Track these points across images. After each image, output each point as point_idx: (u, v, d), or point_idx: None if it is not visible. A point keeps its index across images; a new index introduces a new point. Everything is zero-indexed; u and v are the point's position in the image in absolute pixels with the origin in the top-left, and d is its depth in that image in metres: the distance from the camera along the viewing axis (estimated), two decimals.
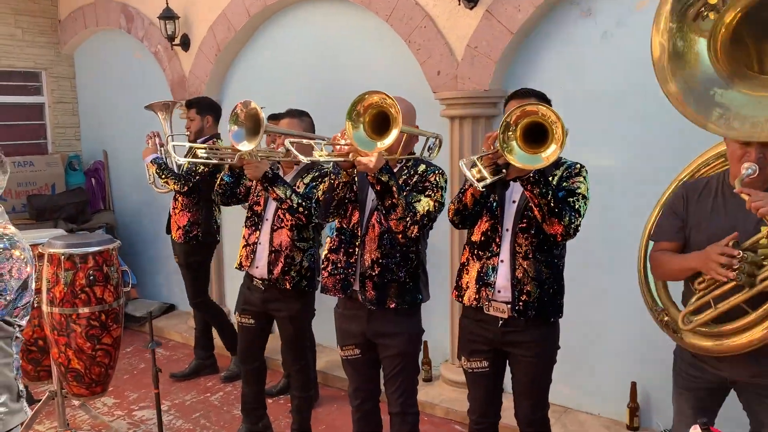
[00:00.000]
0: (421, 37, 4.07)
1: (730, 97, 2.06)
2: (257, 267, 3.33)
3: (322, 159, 2.49)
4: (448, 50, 3.96)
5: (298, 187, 3.26)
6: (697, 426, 1.79)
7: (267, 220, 3.32)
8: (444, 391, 4.20)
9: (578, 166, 2.55)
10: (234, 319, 3.82)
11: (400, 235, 2.59)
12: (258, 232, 3.33)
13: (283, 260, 3.25)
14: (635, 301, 3.56)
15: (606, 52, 3.58)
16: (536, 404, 2.69)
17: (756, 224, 2.09)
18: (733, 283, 2.07)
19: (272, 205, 3.30)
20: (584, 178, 2.52)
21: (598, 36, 3.60)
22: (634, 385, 3.64)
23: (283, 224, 3.27)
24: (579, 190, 2.48)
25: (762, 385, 2.18)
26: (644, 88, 3.43)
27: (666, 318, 2.44)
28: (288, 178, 3.33)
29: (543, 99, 2.55)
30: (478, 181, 2.27)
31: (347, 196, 2.70)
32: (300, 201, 3.14)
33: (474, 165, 2.33)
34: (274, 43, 5.08)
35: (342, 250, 2.78)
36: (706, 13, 2.11)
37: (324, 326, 3.82)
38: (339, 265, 2.78)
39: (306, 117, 3.41)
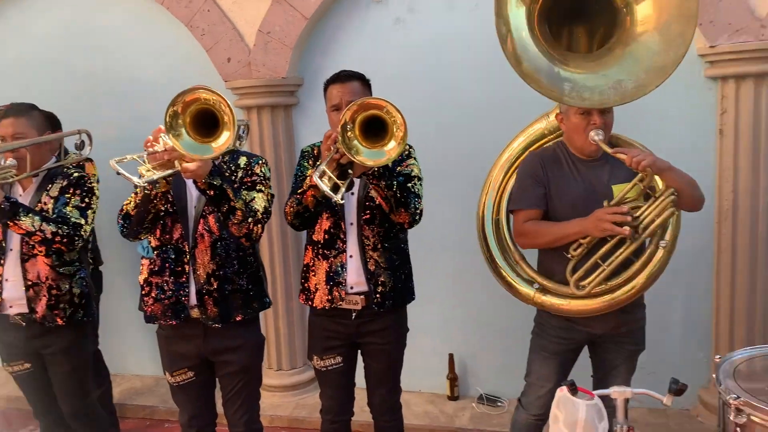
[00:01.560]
0: (205, 21, 3.73)
1: (571, 71, 2.23)
2: (10, 307, 2.68)
3: (147, 179, 2.09)
4: (238, 35, 3.69)
5: (46, 205, 2.67)
6: (565, 387, 1.88)
7: (11, 250, 2.67)
8: (264, 398, 3.96)
9: (408, 147, 2.54)
10: None
11: (245, 239, 2.34)
12: (1, 267, 2.69)
13: (46, 293, 2.66)
14: (446, 275, 3.76)
15: (400, 38, 3.63)
16: (392, 389, 2.68)
17: (606, 185, 2.32)
18: (615, 241, 2.23)
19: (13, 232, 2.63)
20: (415, 159, 2.53)
21: (390, 22, 3.64)
22: (451, 356, 3.80)
23: (35, 251, 2.66)
24: (414, 173, 2.48)
25: (620, 333, 2.42)
26: (438, 72, 3.58)
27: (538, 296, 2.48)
28: (28, 197, 2.69)
29: (363, 80, 2.49)
30: (334, 191, 2.12)
31: (164, 207, 2.36)
32: (55, 229, 2.56)
33: (323, 174, 2.16)
34: (15, 31, 4.26)
35: (167, 270, 2.42)
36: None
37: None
38: (166, 288, 2.41)
39: (35, 111, 2.78)
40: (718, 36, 3.01)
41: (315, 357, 2.58)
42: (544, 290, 2.44)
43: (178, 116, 2.02)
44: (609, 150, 2.19)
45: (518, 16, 2.23)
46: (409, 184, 2.43)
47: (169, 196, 2.36)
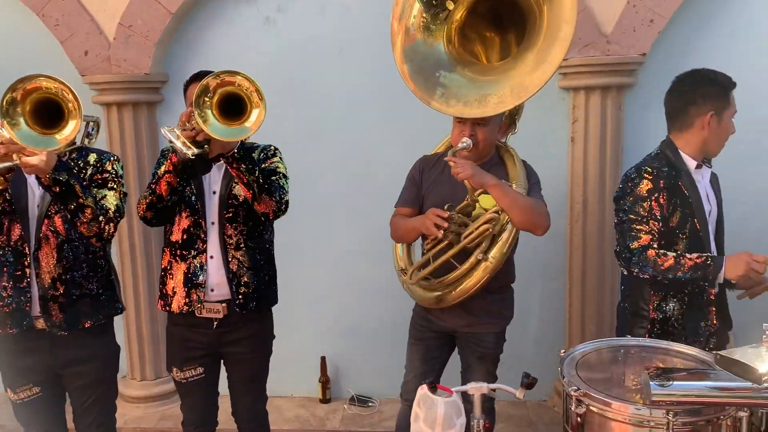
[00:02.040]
0: (59, 11, 3.48)
1: (452, 78, 2.29)
2: None
3: None
4: (96, 28, 3.48)
5: None
6: (425, 386, 1.93)
7: None
8: (126, 410, 3.76)
9: (272, 147, 2.52)
10: None
11: (95, 239, 2.20)
12: None
13: None
14: (316, 277, 3.75)
15: (270, 38, 3.58)
16: (257, 398, 2.61)
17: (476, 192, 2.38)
18: (445, 243, 2.34)
19: None
20: (280, 158, 2.50)
21: (260, 21, 3.58)
22: (323, 359, 3.80)
23: None
24: (279, 170, 2.45)
25: (472, 333, 2.51)
26: (310, 72, 3.57)
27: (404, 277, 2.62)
28: None
29: None
30: (187, 150, 2.07)
31: (0, 207, 2.18)
32: None
33: (175, 136, 2.11)
34: None
35: (5, 275, 2.23)
36: (443, 7, 2.31)
37: None
38: (4, 295, 2.23)
39: None
40: (570, 49, 3.20)
41: (175, 368, 2.48)
42: (404, 273, 2.59)
43: (17, 104, 1.90)
44: (448, 155, 2.27)
45: (414, 14, 2.31)
46: (273, 178, 2.39)
47: (7, 194, 2.18)
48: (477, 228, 2.30)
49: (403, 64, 2.26)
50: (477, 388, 1.99)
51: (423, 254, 2.49)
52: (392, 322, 2.70)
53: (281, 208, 2.35)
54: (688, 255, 2.24)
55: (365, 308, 3.72)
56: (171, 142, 2.10)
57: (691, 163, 2.37)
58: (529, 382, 1.96)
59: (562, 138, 3.43)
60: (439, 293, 2.42)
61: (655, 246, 2.27)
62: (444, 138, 2.71)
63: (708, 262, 2.21)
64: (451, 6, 2.22)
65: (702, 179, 2.42)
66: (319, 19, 3.53)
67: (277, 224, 2.52)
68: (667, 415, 1.61)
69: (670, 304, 2.37)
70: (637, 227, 2.30)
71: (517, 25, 2.24)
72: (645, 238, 2.27)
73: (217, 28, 3.60)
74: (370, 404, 3.75)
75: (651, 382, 1.59)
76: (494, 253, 2.32)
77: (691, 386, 1.59)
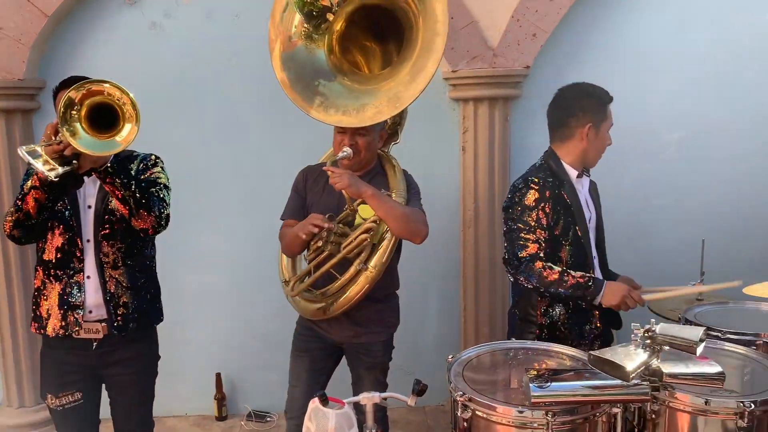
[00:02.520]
0: None
1: (332, 87, 2.29)
2: None
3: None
4: None
5: None
6: (317, 399, 1.91)
7: None
8: None
9: (153, 157, 2.40)
10: None
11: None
12: None
13: None
14: (209, 292, 3.64)
15: (158, 43, 3.45)
16: (142, 423, 2.48)
17: (356, 201, 2.37)
18: (326, 254, 2.33)
19: None
20: (162, 168, 2.38)
21: (146, 26, 3.44)
22: (218, 376, 3.68)
23: None
24: (160, 180, 2.34)
25: (359, 343, 2.50)
26: (201, 78, 3.47)
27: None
28: None
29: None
30: (50, 171, 1.91)
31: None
32: None
33: (37, 155, 1.94)
34: None
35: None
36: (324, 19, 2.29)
37: None
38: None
39: None
40: (459, 61, 3.31)
41: (49, 395, 2.30)
42: (286, 284, 2.56)
43: (73, 107, 1.89)
44: (327, 165, 2.26)
45: (295, 24, 2.28)
46: (153, 189, 2.27)
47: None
48: (356, 238, 2.31)
49: (282, 72, 2.24)
50: (369, 398, 1.98)
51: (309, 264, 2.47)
52: (289, 334, 2.65)
53: (161, 223, 2.24)
54: (572, 272, 2.33)
55: (261, 321, 3.64)
56: (30, 164, 1.93)
57: (573, 173, 2.48)
58: (419, 389, 1.97)
59: (454, 147, 3.51)
60: (321, 305, 2.41)
61: (542, 256, 2.34)
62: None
63: (589, 284, 2.32)
64: (331, 17, 2.22)
65: (582, 188, 2.54)
66: (207, 24, 3.44)
67: (168, 233, 2.40)
68: (546, 415, 1.67)
69: (557, 310, 2.46)
70: (525, 236, 2.36)
71: (396, 37, 2.27)
72: (532, 247, 2.34)
73: (99, 33, 3.42)
74: (268, 419, 3.68)
75: (531, 384, 1.65)
76: (374, 262, 2.33)
77: (567, 386, 1.65)
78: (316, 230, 2.28)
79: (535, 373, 1.68)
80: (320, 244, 2.34)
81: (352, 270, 2.33)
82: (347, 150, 2.31)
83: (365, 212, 2.35)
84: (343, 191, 2.27)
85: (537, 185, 2.40)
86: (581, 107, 2.43)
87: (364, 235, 2.31)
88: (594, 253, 2.52)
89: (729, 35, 3.52)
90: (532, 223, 2.37)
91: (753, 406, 1.72)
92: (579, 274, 2.33)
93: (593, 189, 2.63)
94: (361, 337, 2.49)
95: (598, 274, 2.52)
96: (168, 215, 2.28)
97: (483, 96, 3.36)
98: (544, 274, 2.31)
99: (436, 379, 2.42)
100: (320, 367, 2.55)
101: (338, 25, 2.26)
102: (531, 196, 2.39)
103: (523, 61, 3.33)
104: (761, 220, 3.69)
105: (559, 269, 2.32)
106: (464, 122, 3.43)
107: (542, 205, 2.38)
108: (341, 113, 2.21)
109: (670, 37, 3.51)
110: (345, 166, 2.30)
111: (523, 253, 2.34)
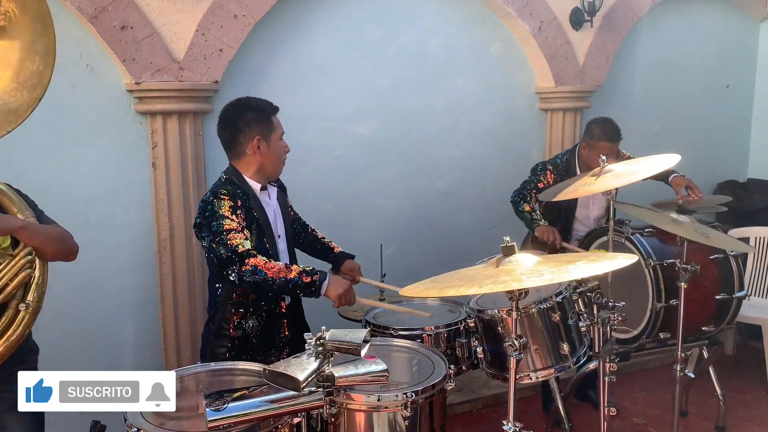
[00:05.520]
0: None
1: None
2: None
3: None
4: None
5: None
6: None
7: None
8: None
9: None
10: None
11: None
12: None
13: None
14: None
15: None
16: None
17: None
18: None
19: None
20: None
21: None
22: None
23: None
24: None
25: None
26: None
27: None
28: None
29: None
30: None
31: None
32: None
33: None
34: None
35: None
36: None
37: None
38: None
39: None
40: (142, 73, 3.13)
41: None
42: None
43: None
44: None
45: None
46: None
47: None
48: (12, 279, 1.92)
49: None
50: None
51: None
52: None
53: None
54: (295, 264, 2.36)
55: None
56: None
57: (256, 186, 2.50)
58: (97, 430, 1.82)
59: (144, 163, 3.31)
60: None
61: (254, 252, 2.30)
62: None
63: (315, 271, 2.32)
64: None
65: (270, 199, 2.57)
66: None
67: None
68: None
69: (249, 322, 2.45)
70: (235, 236, 2.29)
71: None
72: (246, 244, 2.30)
73: None
74: None
75: (207, 409, 1.60)
76: (32, 296, 1.97)
77: (244, 405, 1.65)
78: None
79: (211, 396, 1.65)
80: None
81: (10, 313, 1.93)
82: None
83: (5, 243, 1.97)
84: None
85: (227, 195, 2.37)
86: (246, 122, 2.45)
87: (23, 273, 1.93)
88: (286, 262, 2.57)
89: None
90: (236, 226, 2.33)
91: (414, 395, 1.90)
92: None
93: (281, 197, 2.67)
94: None
95: None
96: None
97: (171, 110, 3.23)
98: (269, 265, 2.28)
99: None
100: None
101: None
102: (225, 205, 2.35)
103: (211, 76, 3.28)
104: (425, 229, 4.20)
105: (281, 263, 2.32)
106: (153, 136, 3.27)
107: (238, 212, 2.37)
108: None
109: (341, 50, 3.81)
110: None
111: (241, 249, 2.28)
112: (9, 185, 2.10)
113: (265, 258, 2.31)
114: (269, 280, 2.27)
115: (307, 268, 2.34)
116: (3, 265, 1.91)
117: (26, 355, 2.18)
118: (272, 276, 2.27)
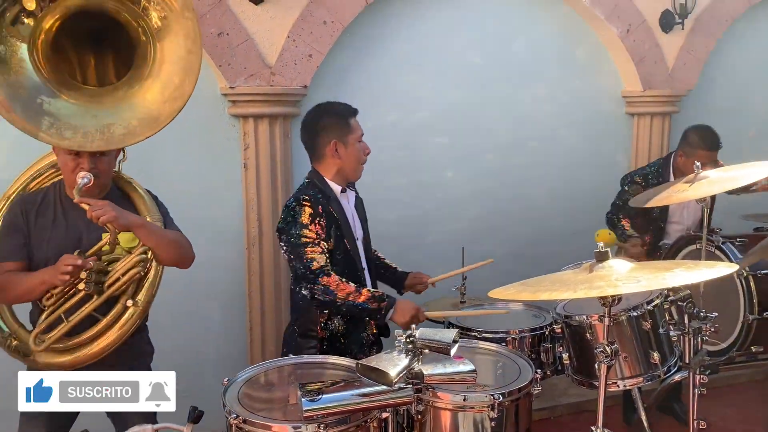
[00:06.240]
0: None
1: (59, 105, 2.01)
2: None
3: None
4: None
5: None
6: None
7: None
8: None
9: None
10: None
11: None
12: None
13: None
14: None
15: None
16: None
17: (99, 232, 2.13)
18: (81, 295, 2.06)
19: None
20: None
21: None
22: None
23: None
24: None
25: None
26: None
27: (15, 342, 2.25)
28: None
29: None
30: None
31: None
32: None
33: None
34: None
35: None
36: (24, 19, 2.02)
37: None
38: None
39: None
40: (236, 78, 3.28)
41: None
42: (13, 338, 2.21)
43: None
44: (76, 197, 2.03)
45: None
46: None
47: None
48: (125, 273, 2.08)
49: None
50: (141, 430, 1.89)
51: (43, 311, 2.13)
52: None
53: None
54: (366, 287, 2.42)
55: None
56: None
57: (337, 188, 2.57)
58: (195, 416, 1.91)
59: (236, 164, 3.46)
60: (73, 355, 2.09)
61: (329, 269, 2.38)
62: (26, 171, 2.36)
63: (384, 297, 2.40)
64: (31, 5, 1.91)
65: (348, 203, 2.64)
66: None
67: None
68: (319, 428, 1.70)
69: (335, 322, 2.52)
70: (311, 250, 2.38)
71: (121, 49, 2.10)
72: (321, 259, 2.38)
73: None
74: None
75: (302, 399, 1.67)
76: (142, 296, 2.13)
77: (338, 397, 1.70)
78: (68, 278, 2.01)
79: (306, 387, 1.72)
80: (82, 286, 2.04)
81: (118, 308, 2.09)
82: (87, 176, 2.05)
83: (126, 242, 2.14)
84: (108, 225, 2.03)
85: (309, 202, 2.44)
86: (323, 127, 2.52)
87: (135, 269, 2.09)
88: (364, 264, 2.63)
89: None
90: (314, 237, 2.40)
91: (501, 398, 1.91)
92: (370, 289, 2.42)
93: (359, 204, 2.73)
94: None
95: (369, 286, 2.63)
96: None
97: (262, 113, 3.36)
98: (341, 286, 2.36)
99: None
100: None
101: (48, 24, 2.00)
102: (306, 213, 2.42)
103: (300, 81, 3.39)
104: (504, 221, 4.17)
105: (355, 285, 2.38)
106: (245, 139, 3.41)
107: (317, 219, 2.43)
108: (82, 135, 1.97)
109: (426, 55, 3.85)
110: (84, 193, 2.05)
111: (315, 266, 2.37)
112: (149, 191, 2.31)
113: (338, 278, 2.38)
114: (338, 301, 2.36)
115: (377, 294, 2.41)
116: (121, 260, 2.07)
117: (141, 357, 2.34)
118: (342, 297, 2.36)
